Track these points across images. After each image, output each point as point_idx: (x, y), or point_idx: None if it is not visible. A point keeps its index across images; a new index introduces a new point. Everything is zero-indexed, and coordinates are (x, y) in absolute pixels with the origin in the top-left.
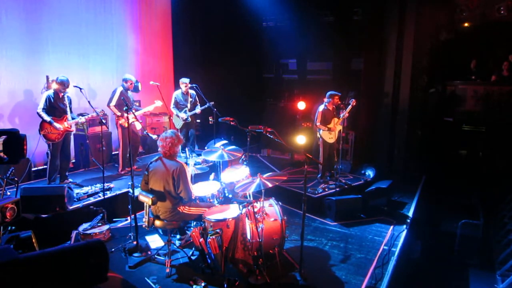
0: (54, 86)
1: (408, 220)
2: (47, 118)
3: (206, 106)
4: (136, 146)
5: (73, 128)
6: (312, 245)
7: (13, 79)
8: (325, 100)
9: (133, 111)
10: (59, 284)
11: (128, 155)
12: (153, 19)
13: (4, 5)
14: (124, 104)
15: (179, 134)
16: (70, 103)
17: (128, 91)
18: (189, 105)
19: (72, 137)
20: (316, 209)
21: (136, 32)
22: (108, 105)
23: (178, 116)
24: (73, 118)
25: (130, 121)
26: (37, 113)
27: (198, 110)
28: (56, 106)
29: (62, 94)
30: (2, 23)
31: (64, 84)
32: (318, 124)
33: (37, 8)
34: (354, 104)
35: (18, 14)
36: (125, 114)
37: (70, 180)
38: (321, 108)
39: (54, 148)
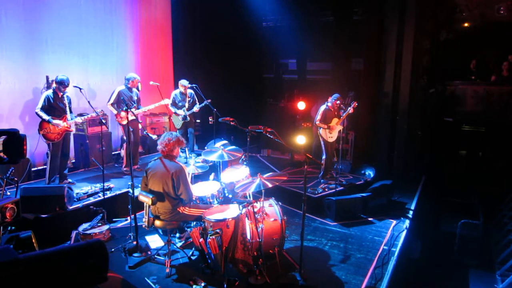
0: (54, 85)
1: (408, 220)
2: (46, 116)
3: (203, 103)
4: (135, 144)
5: (73, 128)
6: (312, 245)
7: (13, 79)
8: (329, 99)
9: (133, 109)
10: (59, 284)
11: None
12: (153, 19)
13: (4, 5)
14: (122, 103)
15: (177, 133)
16: (69, 103)
17: (134, 90)
18: (187, 105)
19: (72, 137)
20: (316, 209)
21: (136, 32)
22: (107, 104)
23: (176, 113)
24: (72, 119)
25: (129, 119)
26: (36, 112)
27: (195, 108)
28: (55, 106)
29: (62, 94)
30: (1, 23)
31: (63, 83)
32: (317, 122)
33: (37, 8)
34: (356, 106)
35: (18, 14)
36: (122, 113)
37: (70, 180)
38: (323, 107)
39: (54, 148)
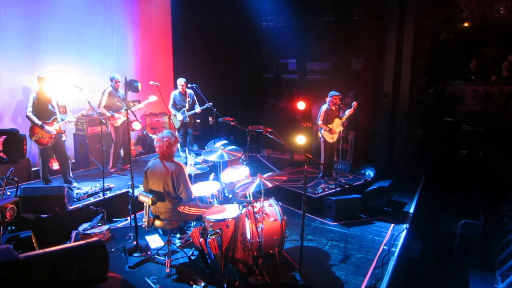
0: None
1: (408, 220)
2: (38, 121)
3: (205, 106)
4: (118, 145)
5: (64, 129)
6: (312, 245)
7: (13, 79)
8: (327, 99)
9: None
10: (59, 284)
11: (118, 153)
12: (153, 19)
13: (4, 5)
14: (121, 103)
15: (176, 133)
16: (57, 105)
17: (118, 90)
18: (187, 105)
19: (72, 137)
20: (316, 209)
21: (136, 32)
22: (98, 107)
23: (175, 116)
24: (62, 119)
25: (122, 121)
26: (27, 116)
27: (198, 109)
28: (43, 108)
29: (48, 95)
30: (2, 23)
31: (43, 79)
32: (320, 123)
33: (37, 8)
34: (356, 106)
35: (18, 14)
36: (115, 115)
37: (72, 180)
38: (324, 107)
39: (44, 152)
